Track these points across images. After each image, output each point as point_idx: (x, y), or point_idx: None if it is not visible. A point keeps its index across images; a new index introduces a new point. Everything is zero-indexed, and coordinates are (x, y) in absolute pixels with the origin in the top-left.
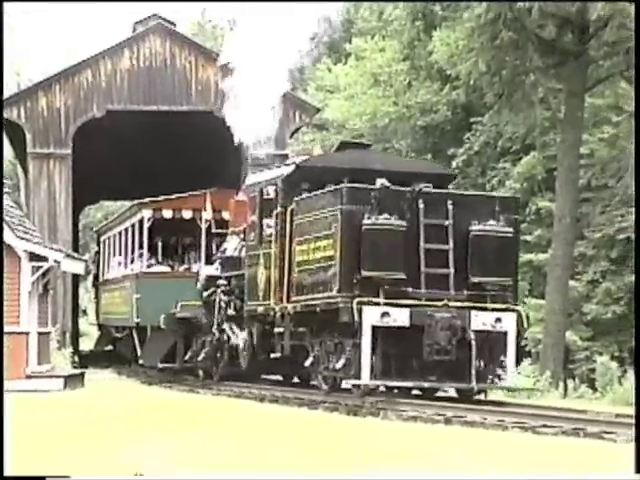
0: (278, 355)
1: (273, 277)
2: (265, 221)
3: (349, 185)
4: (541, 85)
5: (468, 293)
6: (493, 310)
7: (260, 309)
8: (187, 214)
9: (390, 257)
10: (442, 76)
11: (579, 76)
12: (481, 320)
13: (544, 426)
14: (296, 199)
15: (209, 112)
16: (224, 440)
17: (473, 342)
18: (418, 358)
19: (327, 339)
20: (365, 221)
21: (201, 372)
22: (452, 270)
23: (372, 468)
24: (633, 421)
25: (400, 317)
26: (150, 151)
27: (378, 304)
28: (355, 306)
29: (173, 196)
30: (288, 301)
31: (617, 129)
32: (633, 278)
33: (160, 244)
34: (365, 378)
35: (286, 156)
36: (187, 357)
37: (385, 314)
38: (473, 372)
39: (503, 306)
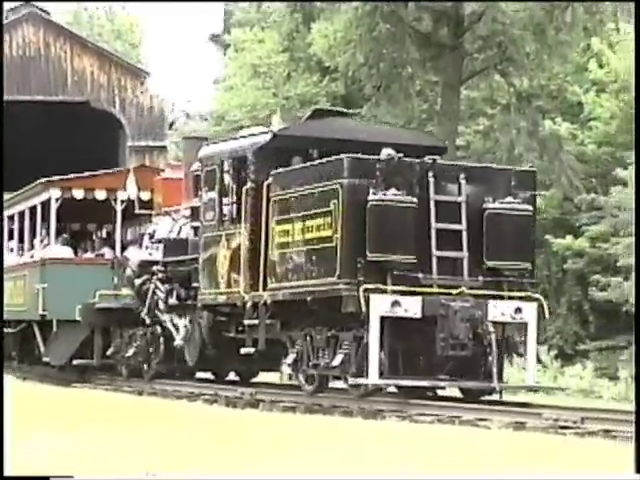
0: (251, 351)
1: (242, 262)
2: (228, 198)
3: (351, 155)
4: (418, 77)
5: (483, 280)
6: (512, 299)
7: (222, 298)
8: (101, 194)
9: (400, 238)
10: (321, 68)
11: (455, 69)
12: (500, 310)
13: (421, 414)
14: (273, 173)
15: (85, 102)
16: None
17: (493, 335)
18: (431, 354)
19: (317, 332)
20: (371, 197)
21: (124, 370)
22: (466, 253)
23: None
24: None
25: (412, 307)
26: (26, 142)
27: (386, 292)
28: (362, 294)
29: (86, 174)
30: (264, 289)
31: (492, 121)
32: None
33: (70, 227)
34: (373, 377)
35: (165, 148)
36: (109, 353)
37: (395, 303)
38: (494, 370)
39: (523, 294)
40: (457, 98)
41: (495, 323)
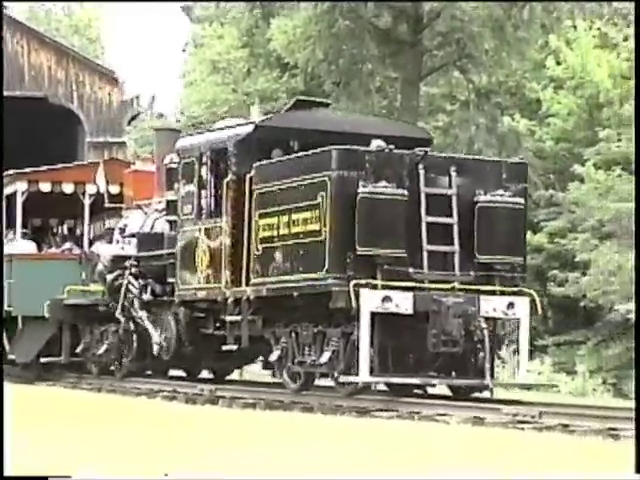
0: (233, 348)
1: (223, 256)
2: (207, 191)
3: (340, 147)
4: (378, 74)
5: (475, 274)
6: (504, 294)
7: (201, 294)
8: (68, 188)
9: (390, 232)
10: (281, 64)
11: (414, 65)
12: (492, 305)
13: (379, 410)
14: (256, 165)
15: (43, 98)
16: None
17: (486, 331)
18: (422, 350)
19: (303, 329)
20: (361, 189)
21: (95, 367)
22: (457, 247)
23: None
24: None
25: (403, 302)
26: None
27: (377, 287)
28: (352, 289)
29: (55, 166)
30: (247, 284)
31: (451, 117)
32: None
33: (36, 221)
34: (364, 374)
35: (124, 143)
36: (79, 350)
37: (386, 298)
38: (487, 366)
39: (516, 289)
40: (416, 94)
41: (487, 319)
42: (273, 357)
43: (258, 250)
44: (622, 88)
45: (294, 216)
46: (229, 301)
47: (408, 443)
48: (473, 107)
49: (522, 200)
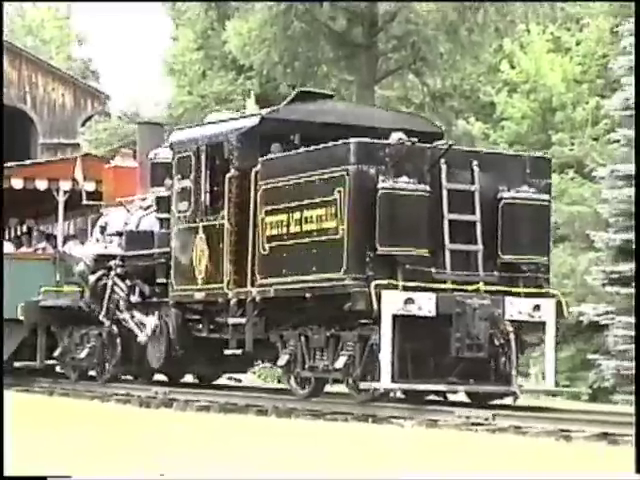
0: (237, 352)
1: (225, 255)
2: (205, 187)
3: (359, 140)
4: (333, 76)
5: (499, 275)
6: (529, 295)
7: (199, 295)
8: (42, 184)
9: (412, 230)
10: (236, 66)
11: (369, 68)
12: (517, 308)
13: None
14: (263, 159)
15: None
16: None
17: (512, 335)
18: (444, 355)
19: (314, 332)
20: (381, 185)
21: (73, 373)
22: (481, 246)
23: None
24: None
25: (426, 304)
26: None
27: (401, 288)
28: (373, 290)
29: (27, 162)
30: (252, 284)
31: None
32: None
33: (9, 220)
34: (386, 380)
35: (78, 145)
36: (56, 354)
37: (409, 300)
38: (514, 372)
39: (541, 291)
40: (372, 97)
41: (512, 322)
42: (281, 362)
43: (265, 249)
44: (575, 92)
45: (307, 213)
46: (232, 302)
47: (359, 444)
48: (428, 110)
49: (547, 197)
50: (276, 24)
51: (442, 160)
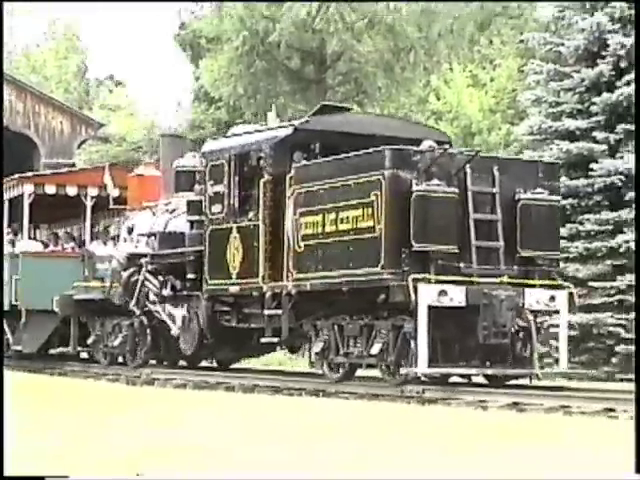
0: (274, 340)
1: (260, 253)
2: (239, 191)
3: (393, 147)
4: (289, 106)
5: (518, 268)
6: (544, 287)
7: (234, 289)
8: (72, 190)
9: (443, 228)
10: (208, 98)
11: (319, 99)
12: (535, 298)
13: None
14: (297, 165)
15: (5, 126)
16: None
17: (532, 323)
18: (473, 342)
19: (348, 321)
20: (415, 187)
21: (104, 358)
22: (502, 243)
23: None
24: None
25: (457, 296)
26: None
27: (434, 281)
28: (411, 284)
29: (60, 170)
30: (287, 279)
31: None
32: None
33: (42, 222)
34: (422, 365)
35: (73, 164)
36: (90, 342)
37: (442, 292)
38: (535, 356)
39: (556, 283)
40: None
41: (532, 311)
42: (316, 349)
43: (300, 247)
44: (490, 120)
45: (343, 214)
46: (267, 295)
47: (302, 414)
48: None
49: (558, 197)
50: (241, 62)
51: (467, 165)
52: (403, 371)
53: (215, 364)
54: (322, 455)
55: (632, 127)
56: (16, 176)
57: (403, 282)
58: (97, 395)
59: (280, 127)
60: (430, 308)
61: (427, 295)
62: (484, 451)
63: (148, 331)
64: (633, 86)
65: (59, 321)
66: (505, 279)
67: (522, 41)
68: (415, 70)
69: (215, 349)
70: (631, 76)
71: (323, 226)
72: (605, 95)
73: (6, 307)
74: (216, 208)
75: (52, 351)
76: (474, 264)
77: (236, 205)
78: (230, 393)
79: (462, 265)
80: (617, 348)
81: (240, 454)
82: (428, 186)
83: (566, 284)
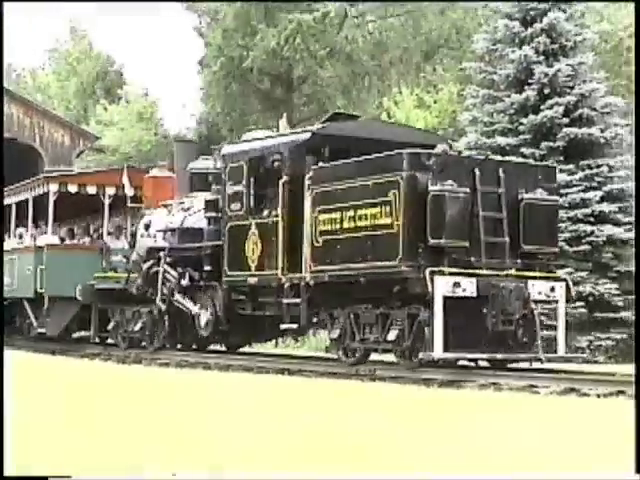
0: (293, 326)
1: (279, 247)
2: (258, 190)
3: (410, 150)
4: (260, 123)
5: (521, 262)
6: (545, 279)
7: (252, 280)
8: (92, 189)
9: (456, 225)
10: (190, 115)
11: (287, 117)
12: (537, 289)
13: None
14: (315, 167)
15: (14, 139)
16: None
17: (536, 311)
18: (483, 329)
19: (364, 310)
20: (431, 187)
21: (123, 342)
22: (507, 239)
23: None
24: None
25: (469, 287)
26: None
27: (448, 274)
28: (428, 276)
29: (82, 171)
30: (306, 271)
31: None
32: None
33: (64, 217)
34: (439, 350)
35: (72, 171)
36: (110, 327)
37: (456, 284)
38: (539, 342)
39: (555, 275)
40: None
41: (535, 301)
42: (333, 335)
43: (318, 241)
44: None
45: (361, 211)
46: (285, 286)
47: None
48: None
49: (556, 197)
50: (219, 84)
51: (476, 167)
52: (421, 355)
53: (224, 347)
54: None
55: (554, 144)
56: (41, 176)
57: (420, 274)
58: (83, 370)
59: (298, 132)
60: (445, 298)
61: (443, 286)
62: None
63: (166, 317)
64: (555, 109)
65: (79, 307)
66: (512, 272)
67: (461, 69)
68: (369, 93)
69: (229, 334)
70: (553, 100)
71: (341, 222)
72: (531, 117)
73: (31, 294)
74: (235, 206)
75: (75, 335)
76: (483, 258)
77: (255, 203)
78: (208, 371)
79: (472, 259)
80: None
81: None
82: (443, 186)
83: (563, 276)
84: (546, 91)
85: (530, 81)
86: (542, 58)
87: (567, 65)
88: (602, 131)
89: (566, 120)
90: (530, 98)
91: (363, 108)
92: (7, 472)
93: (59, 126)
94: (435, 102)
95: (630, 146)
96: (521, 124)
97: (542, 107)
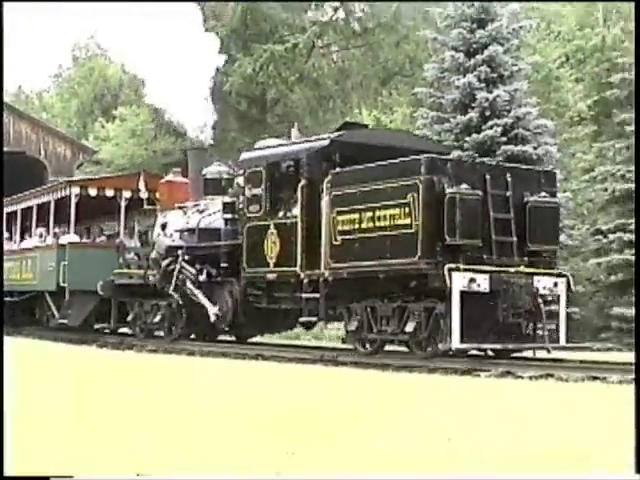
0: (313, 319)
1: (299, 245)
2: (277, 193)
3: (428, 156)
4: (239, 140)
5: (527, 260)
6: (549, 275)
7: (271, 276)
8: (110, 192)
9: (471, 225)
10: (176, 132)
11: (261, 135)
12: (542, 285)
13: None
14: (333, 172)
15: (22, 152)
16: None
17: (542, 305)
18: (495, 321)
19: (381, 304)
20: (447, 190)
21: (141, 333)
22: (515, 238)
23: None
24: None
25: (483, 283)
26: None
27: (464, 270)
28: (447, 272)
29: (100, 176)
30: (324, 268)
31: None
32: None
33: (83, 218)
34: (456, 341)
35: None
36: (129, 319)
37: (472, 280)
38: (546, 334)
39: (557, 272)
40: None
41: (541, 295)
42: (351, 327)
43: (336, 240)
44: None
45: (380, 212)
46: (304, 281)
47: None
48: None
49: (557, 200)
50: None
51: (486, 172)
52: (440, 346)
53: (234, 338)
54: None
55: (493, 161)
56: (62, 180)
57: (438, 271)
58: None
59: (313, 140)
60: (461, 293)
61: (459, 282)
62: None
63: (183, 310)
64: (494, 129)
65: (97, 300)
66: (521, 269)
67: (414, 94)
68: (334, 113)
69: (243, 326)
70: (493, 122)
71: (360, 223)
72: (474, 135)
73: (53, 288)
74: (254, 208)
75: (96, 326)
76: (494, 256)
77: (273, 205)
78: (191, 357)
79: (484, 256)
80: None
81: None
82: (459, 189)
83: (565, 273)
84: (487, 114)
85: (473, 105)
86: (483, 85)
87: (505, 91)
88: (535, 148)
89: (504, 139)
90: (473, 119)
91: (327, 127)
92: (7, 472)
93: (62, 141)
94: (391, 122)
95: (558, 162)
96: (465, 142)
97: (483, 127)
